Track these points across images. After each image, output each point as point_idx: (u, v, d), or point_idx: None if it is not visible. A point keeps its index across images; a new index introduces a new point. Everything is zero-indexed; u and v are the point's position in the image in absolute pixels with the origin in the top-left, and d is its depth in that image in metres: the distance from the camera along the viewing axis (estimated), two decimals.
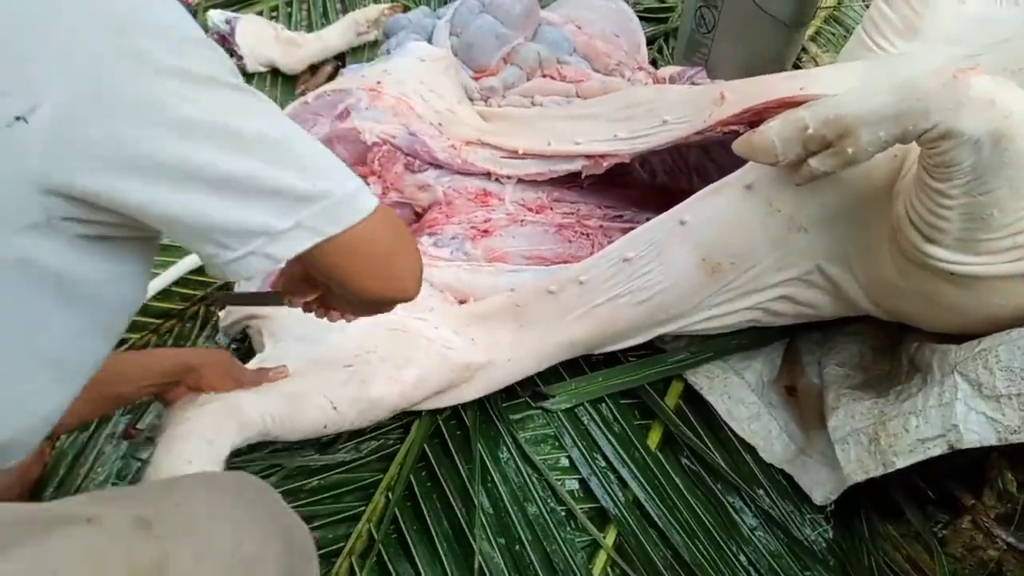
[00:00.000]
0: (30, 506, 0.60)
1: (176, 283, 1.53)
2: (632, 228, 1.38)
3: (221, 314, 1.33)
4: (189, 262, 1.53)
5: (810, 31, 2.14)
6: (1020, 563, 1.02)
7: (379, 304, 0.74)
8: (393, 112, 1.46)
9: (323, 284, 0.82)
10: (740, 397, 1.35)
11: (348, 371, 1.15)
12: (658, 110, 1.31)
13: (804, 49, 2.12)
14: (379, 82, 1.46)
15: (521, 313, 1.29)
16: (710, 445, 1.32)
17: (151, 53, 0.52)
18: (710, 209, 1.16)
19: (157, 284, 1.49)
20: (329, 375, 1.14)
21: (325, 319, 0.91)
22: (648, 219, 1.35)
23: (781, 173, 1.08)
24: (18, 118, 0.49)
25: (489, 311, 1.30)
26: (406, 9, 2.28)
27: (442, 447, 1.29)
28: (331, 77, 2.12)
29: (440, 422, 1.32)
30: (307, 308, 0.88)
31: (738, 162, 1.16)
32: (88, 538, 0.55)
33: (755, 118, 1.17)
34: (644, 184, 1.58)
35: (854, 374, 1.29)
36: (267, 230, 0.58)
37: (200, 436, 0.89)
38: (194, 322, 1.49)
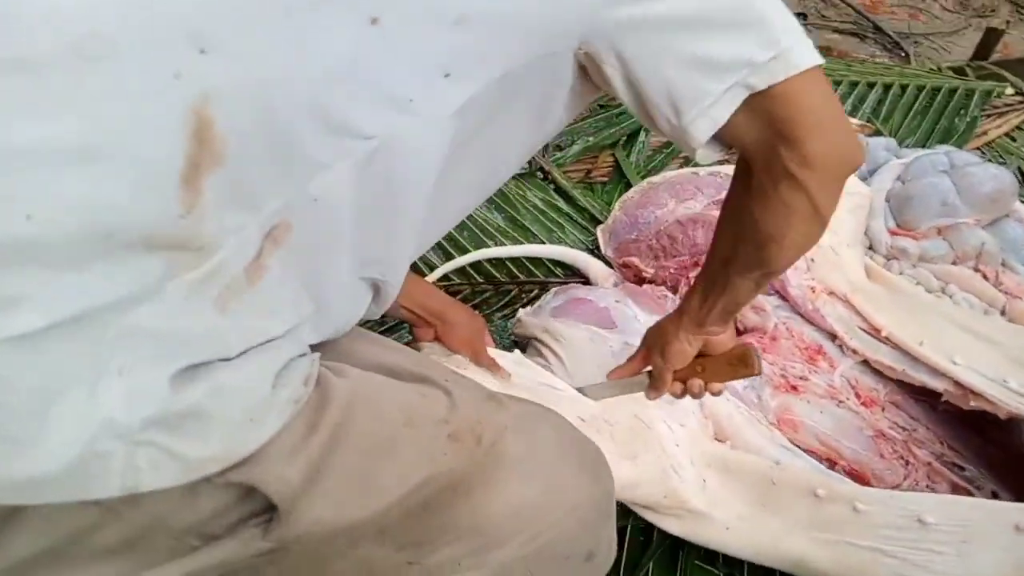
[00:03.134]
0: (412, 354, 0.73)
1: (515, 261, 1.64)
2: (967, 490, 1.09)
3: (520, 315, 1.36)
4: (550, 250, 1.64)
5: None
6: None
7: (824, 171, 0.66)
8: None
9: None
10: None
11: (579, 424, 1.09)
12: None
13: None
14: None
15: (771, 494, 1.10)
16: None
17: None
18: None
19: (514, 251, 1.63)
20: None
21: (686, 397, 0.97)
22: (994, 492, 1.06)
23: None
24: None
25: (740, 468, 1.14)
26: (876, 132, 2.09)
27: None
28: None
29: (628, 527, 1.20)
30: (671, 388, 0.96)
31: None
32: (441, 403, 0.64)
33: None
34: (1014, 447, 1.22)
35: None
36: (751, 60, 0.60)
37: None
38: (503, 298, 1.59)
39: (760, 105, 0.62)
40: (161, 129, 0.46)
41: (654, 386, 0.99)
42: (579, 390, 1.12)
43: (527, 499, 0.65)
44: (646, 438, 1.13)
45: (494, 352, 1.12)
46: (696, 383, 0.94)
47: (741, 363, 0.90)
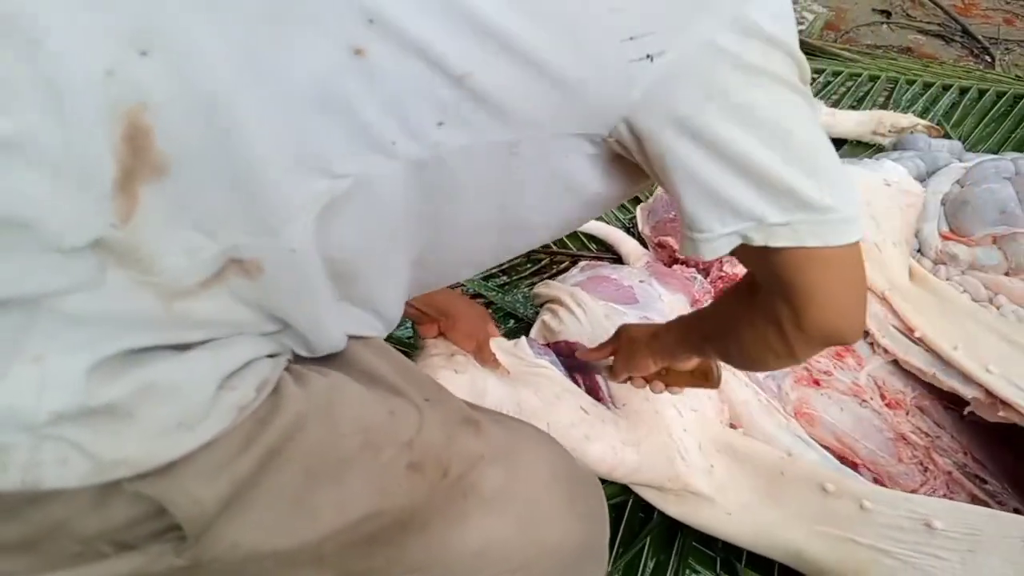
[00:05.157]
0: (394, 361, 0.65)
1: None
2: (987, 503, 1.05)
3: (538, 289, 1.36)
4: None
5: None
6: None
7: (812, 338, 0.63)
8: None
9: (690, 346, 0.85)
10: None
11: (581, 416, 1.09)
12: None
13: None
14: None
15: (778, 484, 1.08)
16: None
17: (741, 49, 0.54)
18: None
19: None
20: (565, 410, 1.08)
21: (645, 388, 0.97)
22: (1016, 509, 1.02)
23: None
24: (649, 56, 0.53)
25: (750, 456, 1.12)
26: (944, 136, 2.00)
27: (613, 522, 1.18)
28: None
29: (629, 502, 1.19)
30: (634, 383, 0.97)
31: None
32: (412, 417, 0.59)
33: None
34: None
35: None
36: (761, 218, 0.56)
37: None
38: (533, 266, 1.60)
39: (766, 255, 0.59)
40: (87, 128, 0.43)
41: (611, 376, 1.00)
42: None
43: (496, 536, 0.61)
44: (652, 423, 1.12)
45: (496, 343, 1.09)
46: (658, 384, 0.97)
47: (702, 377, 0.94)
